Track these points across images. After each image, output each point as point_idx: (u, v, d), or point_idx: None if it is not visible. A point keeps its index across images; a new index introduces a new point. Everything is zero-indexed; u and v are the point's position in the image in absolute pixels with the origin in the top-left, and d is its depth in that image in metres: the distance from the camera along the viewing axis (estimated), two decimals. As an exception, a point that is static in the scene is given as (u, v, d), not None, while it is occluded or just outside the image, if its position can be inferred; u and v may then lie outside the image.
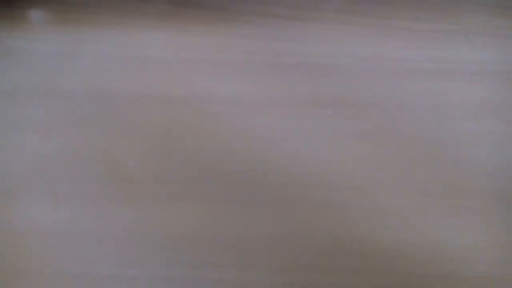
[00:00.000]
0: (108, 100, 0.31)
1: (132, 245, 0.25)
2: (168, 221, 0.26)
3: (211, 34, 0.35)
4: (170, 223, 0.26)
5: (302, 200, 0.27)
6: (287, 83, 0.33)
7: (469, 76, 0.34)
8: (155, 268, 0.25)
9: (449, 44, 0.36)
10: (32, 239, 0.25)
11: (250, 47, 0.35)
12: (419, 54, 0.35)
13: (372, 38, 0.36)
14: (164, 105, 0.31)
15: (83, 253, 0.25)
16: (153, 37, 0.35)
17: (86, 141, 0.29)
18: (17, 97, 0.31)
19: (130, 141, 0.29)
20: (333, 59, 0.34)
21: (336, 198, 0.27)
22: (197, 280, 0.24)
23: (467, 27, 0.37)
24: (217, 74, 0.33)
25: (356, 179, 0.28)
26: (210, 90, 0.32)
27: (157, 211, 0.27)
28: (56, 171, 0.28)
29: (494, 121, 0.31)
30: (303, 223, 0.26)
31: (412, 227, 0.27)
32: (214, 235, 0.26)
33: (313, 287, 0.24)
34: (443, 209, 0.27)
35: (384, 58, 0.35)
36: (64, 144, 0.29)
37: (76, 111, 0.30)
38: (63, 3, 0.37)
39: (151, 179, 0.28)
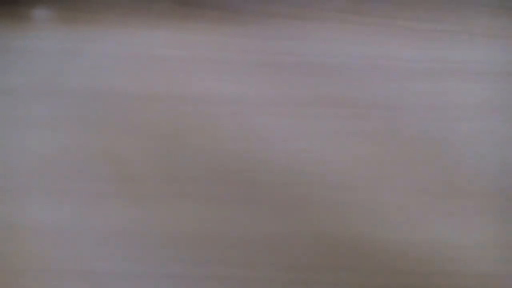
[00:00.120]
0: (111, 99, 0.31)
1: (135, 243, 0.25)
2: (170, 219, 0.26)
3: (213, 33, 0.35)
4: (173, 221, 0.26)
5: (303, 199, 0.27)
6: (288, 83, 0.33)
7: (471, 76, 0.34)
8: (157, 266, 0.25)
9: (451, 44, 0.36)
10: (35, 237, 0.25)
11: (251, 46, 0.35)
12: (422, 54, 0.35)
13: (373, 38, 0.36)
14: (166, 104, 0.31)
15: (86, 251, 0.25)
16: (155, 36, 0.35)
17: (89, 139, 0.29)
18: (20, 95, 0.31)
19: (133, 139, 0.29)
20: (334, 58, 0.34)
21: (337, 198, 0.27)
22: (199, 277, 0.24)
23: (470, 28, 0.37)
24: (218, 73, 0.33)
25: (357, 179, 0.28)
26: (212, 89, 0.32)
27: (159, 209, 0.27)
28: (58, 170, 0.28)
29: (496, 121, 0.31)
30: (304, 222, 0.26)
31: (412, 226, 0.27)
32: (216, 233, 0.26)
33: (314, 285, 0.24)
34: (443, 209, 0.27)
35: (385, 57, 0.35)
36: (67, 142, 0.29)
37: (79, 109, 0.31)
38: (66, 1, 0.37)
39: (153, 178, 0.28)
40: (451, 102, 0.32)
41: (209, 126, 0.30)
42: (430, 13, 0.38)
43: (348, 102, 0.32)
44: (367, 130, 0.30)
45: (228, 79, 0.33)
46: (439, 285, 0.25)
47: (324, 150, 0.29)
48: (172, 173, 0.28)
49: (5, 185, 0.27)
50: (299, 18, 0.37)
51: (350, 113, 0.31)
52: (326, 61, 0.34)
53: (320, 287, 0.24)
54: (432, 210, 0.27)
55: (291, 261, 0.25)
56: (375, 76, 0.33)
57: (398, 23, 0.37)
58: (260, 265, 0.25)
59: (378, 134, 0.30)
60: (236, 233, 0.26)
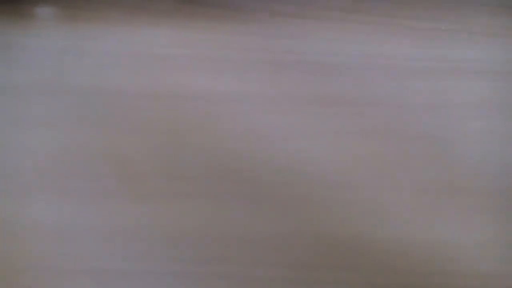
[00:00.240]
0: (112, 97, 0.31)
1: (136, 241, 0.25)
2: (171, 218, 0.26)
3: (215, 31, 0.35)
4: (174, 220, 0.26)
5: (303, 198, 0.27)
6: (289, 81, 0.33)
7: (471, 75, 0.34)
8: (159, 264, 0.25)
9: (451, 43, 0.36)
10: (36, 236, 0.25)
11: (253, 44, 0.35)
12: (421, 52, 0.35)
13: (374, 37, 0.36)
14: (167, 102, 0.31)
15: (88, 250, 0.25)
16: (157, 34, 0.35)
17: (90, 138, 0.29)
18: (22, 93, 0.31)
19: (134, 138, 0.29)
20: (335, 57, 0.34)
21: (338, 197, 0.27)
22: (200, 276, 0.25)
23: (470, 26, 0.37)
24: (220, 71, 0.33)
25: (358, 178, 0.28)
26: (214, 87, 0.32)
27: (160, 208, 0.27)
28: (61, 168, 0.28)
29: (496, 120, 0.31)
30: (304, 221, 0.26)
31: (413, 225, 0.27)
32: (217, 232, 0.26)
33: (315, 284, 0.24)
34: (443, 208, 0.27)
35: (386, 56, 0.35)
36: (68, 141, 0.29)
37: (80, 107, 0.31)
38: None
39: (154, 176, 0.28)
40: (451, 101, 0.32)
41: (210, 124, 0.30)
42: (430, 11, 0.38)
43: (349, 100, 0.32)
44: (368, 129, 0.30)
45: (229, 78, 0.33)
46: (439, 285, 0.25)
47: (324, 149, 0.29)
48: (173, 172, 0.28)
49: (5, 184, 0.27)
50: (300, 17, 0.37)
51: (350, 112, 0.31)
52: (327, 59, 0.34)
53: (320, 286, 0.24)
54: (432, 209, 0.27)
55: (291, 260, 0.25)
56: (375, 75, 0.33)
57: (398, 21, 0.37)
58: (260, 263, 0.25)
59: (379, 133, 0.30)
60: (237, 232, 0.26)
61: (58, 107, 0.30)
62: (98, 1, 0.37)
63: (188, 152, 0.29)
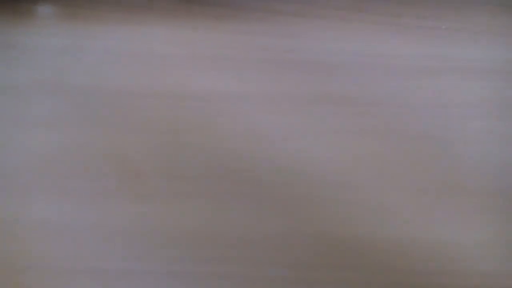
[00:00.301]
0: (112, 96, 0.31)
1: (137, 241, 0.25)
2: (172, 217, 0.26)
3: (215, 30, 0.35)
4: (174, 219, 0.26)
5: (303, 198, 0.27)
6: (290, 81, 0.33)
7: (472, 74, 0.34)
8: (159, 264, 0.25)
9: (452, 42, 0.36)
10: (37, 236, 0.25)
11: (253, 44, 0.35)
12: (422, 52, 0.35)
13: (374, 36, 0.36)
14: (168, 101, 0.31)
15: (88, 249, 0.25)
16: (157, 33, 0.35)
17: (90, 137, 0.29)
18: (22, 93, 0.31)
19: (134, 137, 0.29)
20: (336, 56, 0.34)
21: (338, 196, 0.27)
22: (200, 276, 0.25)
23: (471, 26, 0.37)
24: (220, 71, 0.33)
25: (358, 178, 0.28)
26: (214, 86, 0.32)
27: (161, 208, 0.27)
28: (61, 168, 0.28)
29: (497, 120, 0.31)
30: (305, 220, 0.27)
31: (413, 225, 0.27)
32: (217, 232, 0.26)
33: (315, 284, 0.24)
34: (443, 208, 0.27)
35: (387, 55, 0.35)
36: (68, 140, 0.29)
37: (82, 107, 0.31)
38: (67, -2, 0.37)
39: (155, 176, 0.28)
40: (452, 100, 0.32)
41: (210, 124, 0.30)
42: (431, 11, 0.38)
43: (349, 100, 0.32)
44: (368, 129, 0.30)
45: (230, 77, 0.33)
46: (439, 284, 0.25)
47: (325, 148, 0.29)
48: (173, 172, 0.28)
49: (6, 183, 0.27)
50: (300, 16, 0.37)
51: (350, 112, 0.31)
52: (327, 59, 0.34)
53: (320, 286, 0.24)
54: (432, 209, 0.27)
55: (292, 259, 0.25)
56: (375, 74, 0.33)
57: (399, 21, 0.37)
58: (260, 263, 0.25)
59: (379, 133, 0.30)
60: (237, 232, 0.26)
61: (58, 107, 0.30)
62: (98, 0, 0.37)
63: (188, 152, 0.29)
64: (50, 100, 0.31)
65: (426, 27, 0.37)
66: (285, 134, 0.30)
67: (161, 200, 0.27)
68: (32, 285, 0.24)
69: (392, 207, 0.27)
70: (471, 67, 0.34)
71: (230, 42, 0.35)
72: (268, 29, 0.36)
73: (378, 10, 0.38)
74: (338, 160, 0.29)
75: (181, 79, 0.32)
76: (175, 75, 0.33)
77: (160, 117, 0.30)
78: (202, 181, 0.28)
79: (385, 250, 0.26)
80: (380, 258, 0.25)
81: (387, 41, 0.35)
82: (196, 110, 0.31)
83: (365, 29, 0.36)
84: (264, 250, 0.25)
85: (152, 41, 0.34)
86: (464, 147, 0.30)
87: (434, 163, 0.29)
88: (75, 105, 0.31)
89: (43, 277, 0.24)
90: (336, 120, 0.31)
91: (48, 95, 0.31)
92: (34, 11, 0.36)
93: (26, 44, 0.34)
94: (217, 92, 0.32)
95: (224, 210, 0.27)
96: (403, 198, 0.28)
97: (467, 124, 0.31)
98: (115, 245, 0.25)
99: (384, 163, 0.29)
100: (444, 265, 0.25)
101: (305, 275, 0.25)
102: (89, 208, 0.26)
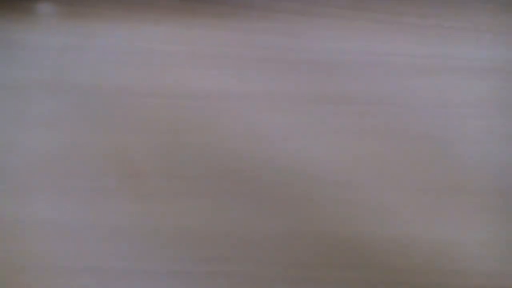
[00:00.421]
0: (113, 95, 0.31)
1: (137, 240, 0.25)
2: (172, 217, 0.26)
3: (216, 28, 0.35)
4: (174, 219, 0.26)
5: (305, 198, 0.27)
6: (290, 80, 0.33)
7: (473, 73, 0.34)
8: (160, 263, 0.25)
9: (455, 41, 0.36)
10: (38, 235, 0.25)
11: (254, 42, 0.35)
12: (424, 50, 0.35)
13: (377, 35, 0.36)
14: (169, 100, 0.31)
15: (89, 248, 0.25)
16: (158, 32, 0.35)
17: (92, 136, 0.29)
18: (24, 91, 0.31)
19: (135, 136, 0.29)
20: (338, 55, 0.34)
21: (339, 196, 0.28)
22: (203, 275, 0.25)
23: (474, 25, 0.37)
24: (221, 69, 0.33)
25: (359, 177, 0.28)
26: (215, 85, 0.32)
27: (161, 207, 0.27)
28: (61, 167, 0.28)
29: (498, 119, 0.31)
30: (306, 220, 0.27)
31: (414, 225, 0.27)
32: (219, 231, 0.26)
33: (316, 283, 0.24)
34: (444, 207, 0.27)
35: (388, 54, 0.35)
36: (69, 139, 0.29)
37: (82, 106, 0.31)
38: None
39: (157, 176, 0.28)
40: (452, 100, 0.32)
41: (211, 124, 0.30)
42: (434, 9, 0.38)
43: (350, 100, 0.32)
44: (368, 129, 0.30)
45: (230, 76, 0.33)
46: (439, 284, 0.25)
47: (325, 148, 0.29)
48: (173, 171, 0.28)
49: (7, 182, 0.27)
50: (300, 14, 0.37)
51: (351, 111, 0.31)
52: (328, 58, 0.34)
53: (321, 285, 0.24)
54: (432, 209, 0.27)
55: (292, 259, 0.25)
56: (376, 73, 0.33)
57: (400, 19, 0.37)
58: (261, 263, 0.25)
59: (379, 133, 0.30)
60: (237, 231, 0.26)
61: (58, 106, 0.30)
62: (100, -1, 0.37)
63: (188, 152, 0.29)
64: (50, 99, 0.31)
65: (427, 26, 0.37)
66: (285, 133, 0.30)
67: (161, 200, 0.27)
68: (32, 285, 0.24)
69: (392, 207, 0.27)
70: (472, 67, 0.34)
71: (230, 41, 0.35)
72: (268, 28, 0.36)
73: (379, 8, 0.38)
74: (338, 160, 0.29)
75: (182, 78, 0.32)
76: (175, 74, 0.33)
77: (160, 117, 0.30)
78: (202, 181, 0.28)
79: (385, 250, 0.26)
80: (380, 257, 0.25)
81: (388, 40, 0.35)
82: (196, 110, 0.31)
83: (366, 28, 0.36)
84: (264, 249, 0.25)
85: (153, 39, 0.34)
86: (464, 147, 0.30)
87: (434, 163, 0.29)
88: (75, 104, 0.31)
89: (43, 277, 0.24)
90: (336, 120, 0.31)
91: (48, 94, 0.31)
92: (35, 9, 0.36)
93: (26, 43, 0.34)
94: (217, 91, 0.32)
95: (224, 210, 0.27)
96: (403, 198, 0.28)
97: (467, 124, 0.31)
98: (115, 245, 0.25)
99: (384, 163, 0.29)
100: (444, 264, 0.25)
101: (306, 274, 0.25)
102: (89, 208, 0.26)
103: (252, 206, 0.27)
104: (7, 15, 0.35)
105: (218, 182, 0.28)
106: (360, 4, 0.38)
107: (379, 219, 0.27)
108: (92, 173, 0.28)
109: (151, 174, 0.28)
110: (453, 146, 0.30)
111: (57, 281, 0.24)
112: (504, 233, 0.27)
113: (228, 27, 0.36)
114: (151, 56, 0.33)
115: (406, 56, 0.35)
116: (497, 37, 0.36)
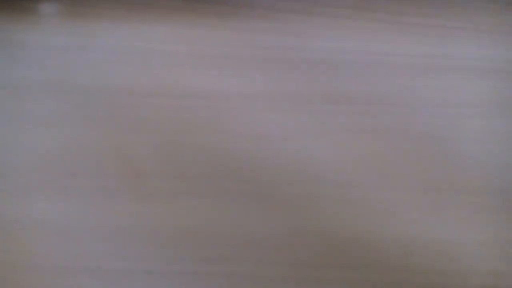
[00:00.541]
0: (115, 95, 0.31)
1: (139, 240, 0.25)
2: (174, 217, 0.26)
3: (218, 28, 0.35)
4: (177, 219, 0.26)
5: (306, 198, 0.27)
6: (292, 80, 0.33)
7: (473, 73, 0.34)
8: (162, 263, 0.25)
9: (457, 41, 0.36)
10: (39, 234, 0.25)
11: (255, 42, 0.35)
12: (426, 50, 0.35)
13: (378, 34, 0.36)
14: (170, 100, 0.31)
15: (90, 248, 0.25)
16: (160, 32, 0.35)
17: (93, 136, 0.29)
18: (26, 91, 0.31)
19: (137, 136, 0.29)
20: (339, 55, 0.34)
21: (341, 196, 0.28)
22: (203, 275, 0.25)
23: (474, 25, 0.37)
24: (223, 70, 0.33)
25: (360, 177, 0.28)
26: (216, 86, 0.32)
27: (164, 207, 0.27)
28: (62, 167, 0.28)
29: (499, 119, 0.31)
30: (308, 219, 0.27)
31: (415, 224, 0.27)
32: (220, 231, 0.26)
33: (317, 283, 0.24)
34: (444, 207, 0.27)
35: (389, 54, 0.35)
36: (71, 139, 0.29)
37: (83, 106, 0.31)
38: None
39: (157, 175, 0.28)
40: (454, 99, 0.32)
41: (212, 124, 0.30)
42: (434, 9, 0.38)
43: (350, 99, 0.32)
44: (369, 128, 0.30)
45: (232, 76, 0.33)
46: (440, 283, 0.25)
47: (326, 148, 0.29)
48: (174, 171, 0.28)
49: (9, 182, 0.27)
50: (302, 14, 0.37)
51: (352, 111, 0.31)
52: (329, 57, 0.34)
53: (321, 285, 0.24)
54: (432, 208, 0.27)
55: (293, 259, 0.25)
56: (378, 73, 0.33)
57: (402, 19, 0.37)
58: (262, 263, 0.25)
59: (380, 132, 0.30)
60: (238, 231, 0.26)
61: (59, 106, 0.31)
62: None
63: (188, 152, 0.29)
64: (50, 99, 0.31)
65: (427, 25, 0.37)
66: (286, 133, 0.30)
67: (161, 200, 0.27)
68: (32, 285, 0.24)
69: (393, 207, 0.27)
70: (472, 66, 0.34)
71: (231, 41, 0.35)
72: (269, 28, 0.36)
73: (379, 8, 0.38)
74: (339, 159, 0.29)
75: (182, 78, 0.32)
76: (175, 74, 0.33)
77: (160, 117, 0.30)
78: (202, 181, 0.28)
79: (386, 249, 0.26)
80: (381, 257, 0.25)
81: (388, 40, 0.35)
82: (196, 110, 0.31)
83: (366, 28, 0.36)
84: (265, 249, 0.25)
85: (153, 39, 0.34)
86: (464, 147, 0.30)
87: (435, 163, 0.29)
88: (76, 104, 0.31)
89: (43, 277, 0.24)
90: (337, 120, 0.31)
91: (50, 93, 0.31)
92: (37, 9, 0.36)
93: (27, 43, 0.34)
94: (218, 91, 0.32)
95: (225, 210, 0.27)
96: (404, 198, 0.28)
97: (467, 124, 0.31)
98: (115, 245, 0.25)
99: (384, 163, 0.29)
100: (444, 264, 0.25)
101: (307, 274, 0.25)
102: (89, 208, 0.26)
103: (253, 206, 0.27)
104: (8, 15, 0.35)
105: (218, 182, 0.28)
106: (360, 4, 0.38)
107: (380, 219, 0.27)
108: (92, 173, 0.28)
109: (151, 174, 0.28)
110: (453, 146, 0.30)
111: (57, 281, 0.24)
112: (504, 233, 0.27)
113: (229, 27, 0.36)
114: (151, 56, 0.33)
115: (406, 56, 0.35)
116: (497, 37, 0.36)
